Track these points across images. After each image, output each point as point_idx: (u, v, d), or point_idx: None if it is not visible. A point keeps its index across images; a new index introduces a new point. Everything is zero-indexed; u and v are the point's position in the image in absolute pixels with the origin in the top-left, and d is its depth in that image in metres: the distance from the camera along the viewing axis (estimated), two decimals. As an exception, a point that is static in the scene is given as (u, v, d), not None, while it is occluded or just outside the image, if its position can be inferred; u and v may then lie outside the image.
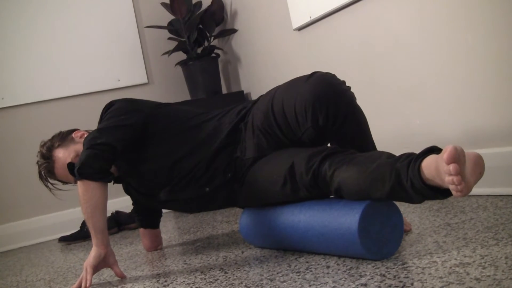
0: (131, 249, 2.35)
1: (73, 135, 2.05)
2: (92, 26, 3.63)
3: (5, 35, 3.44)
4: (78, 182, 1.74)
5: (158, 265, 1.89)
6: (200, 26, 3.60)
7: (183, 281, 1.57)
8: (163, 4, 3.57)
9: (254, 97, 3.54)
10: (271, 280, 1.37)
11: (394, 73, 2.29)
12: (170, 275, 1.69)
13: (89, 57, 3.60)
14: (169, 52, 3.54)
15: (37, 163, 2.02)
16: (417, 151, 1.31)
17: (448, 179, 1.17)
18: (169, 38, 3.63)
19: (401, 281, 1.15)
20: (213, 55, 3.66)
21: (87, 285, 1.66)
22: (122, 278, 1.77)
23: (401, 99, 2.29)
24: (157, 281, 1.65)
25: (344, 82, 1.63)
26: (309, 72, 1.65)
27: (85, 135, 2.01)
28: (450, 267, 1.17)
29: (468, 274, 1.10)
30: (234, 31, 3.61)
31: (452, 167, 1.15)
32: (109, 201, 1.78)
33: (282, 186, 1.58)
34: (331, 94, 1.56)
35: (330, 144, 1.67)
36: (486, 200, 1.78)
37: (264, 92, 1.86)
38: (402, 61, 2.23)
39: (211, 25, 3.59)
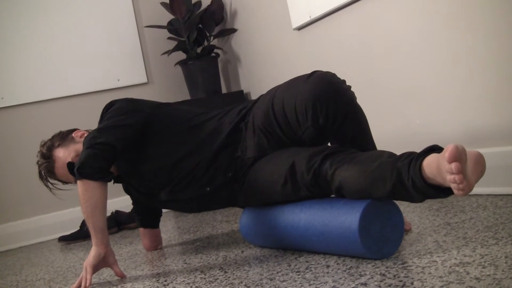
0: (131, 249, 2.35)
1: (73, 134, 2.05)
2: (92, 26, 3.63)
3: (5, 35, 3.43)
4: (78, 181, 1.74)
5: (158, 265, 1.89)
6: (200, 25, 3.60)
7: (183, 281, 1.57)
8: (163, 4, 3.56)
9: (253, 96, 3.54)
10: (271, 280, 1.37)
11: (394, 73, 2.29)
12: (170, 274, 1.69)
13: (88, 56, 3.60)
14: (168, 52, 3.54)
15: (37, 162, 2.02)
16: (417, 151, 1.31)
17: (449, 178, 1.17)
18: (169, 38, 3.63)
19: (401, 281, 1.15)
20: (213, 54, 3.66)
21: (87, 284, 1.66)
22: (122, 277, 1.77)
23: (401, 99, 2.29)
24: (157, 280, 1.65)
25: (344, 81, 1.63)
26: (309, 72, 1.65)
27: (85, 135, 2.01)
28: (450, 267, 1.17)
29: (468, 273, 1.10)
30: (233, 30, 3.61)
31: (453, 165, 1.15)
32: (109, 201, 1.78)
33: (282, 186, 1.58)
34: (331, 93, 1.56)
35: (331, 144, 1.67)
36: (486, 200, 1.78)
37: (263, 91, 1.86)
38: (402, 61, 2.23)
39: (210, 25, 3.59)
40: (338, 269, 1.35)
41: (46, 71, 3.50)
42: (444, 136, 2.07)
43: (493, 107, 1.89)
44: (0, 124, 3.41)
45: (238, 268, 1.58)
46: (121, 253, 2.29)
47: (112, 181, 1.94)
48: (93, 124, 1.98)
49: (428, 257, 1.28)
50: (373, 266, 1.31)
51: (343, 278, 1.26)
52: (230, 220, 2.55)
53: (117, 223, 3.07)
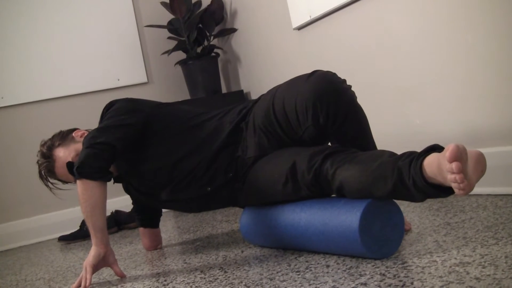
0: (130, 248, 2.35)
1: (73, 134, 2.05)
2: (92, 26, 3.63)
3: (5, 35, 3.43)
4: (77, 181, 1.74)
5: (158, 265, 1.89)
6: (200, 25, 3.60)
7: (183, 280, 1.57)
8: (163, 4, 3.56)
9: (253, 96, 3.54)
10: (271, 280, 1.37)
11: (394, 73, 2.29)
12: (170, 274, 1.69)
13: (88, 56, 3.60)
14: (168, 52, 3.54)
15: (38, 162, 2.02)
16: (418, 151, 1.31)
17: (450, 177, 1.17)
18: (169, 38, 3.63)
19: (401, 280, 1.15)
20: (213, 54, 3.66)
21: (87, 284, 1.66)
22: (122, 277, 1.76)
23: (401, 99, 2.29)
24: (157, 280, 1.65)
25: (344, 80, 1.63)
26: (309, 72, 1.65)
27: (86, 135, 2.01)
28: (450, 267, 1.17)
29: (468, 273, 1.10)
30: (233, 30, 3.61)
31: (454, 165, 1.15)
32: (108, 200, 1.77)
33: (283, 185, 1.58)
34: (332, 93, 1.56)
35: (331, 143, 1.67)
36: (486, 200, 1.78)
37: (263, 91, 1.86)
38: (402, 61, 2.23)
39: (210, 25, 3.59)
40: (338, 269, 1.35)
41: (46, 70, 3.50)
42: (444, 136, 2.06)
43: (493, 107, 1.89)
44: (0, 123, 3.41)
45: (238, 268, 1.58)
46: (121, 252, 2.29)
47: (112, 181, 1.94)
48: (93, 124, 1.98)
49: (428, 257, 1.28)
50: (373, 266, 1.31)
51: (343, 278, 1.26)
52: (230, 219, 2.55)
53: (117, 222, 3.07)
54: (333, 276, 1.29)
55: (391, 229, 1.37)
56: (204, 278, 1.54)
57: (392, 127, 2.34)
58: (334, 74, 1.63)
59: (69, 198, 2.57)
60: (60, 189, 2.06)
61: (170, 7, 3.47)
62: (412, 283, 1.11)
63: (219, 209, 2.85)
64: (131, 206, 2.22)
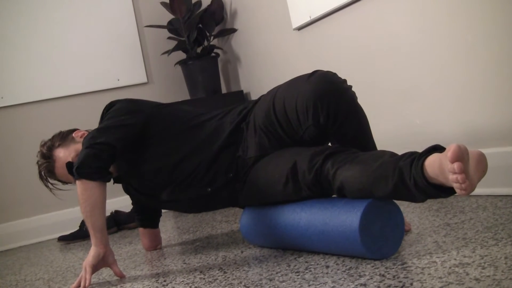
0: (130, 249, 2.35)
1: (73, 134, 2.05)
2: (92, 26, 3.63)
3: (5, 34, 3.43)
4: (77, 181, 1.74)
5: (157, 265, 1.88)
6: (200, 25, 3.60)
7: (182, 281, 1.57)
8: (163, 4, 3.56)
9: (253, 96, 3.54)
10: (270, 280, 1.37)
11: (394, 73, 2.29)
12: (169, 274, 1.69)
13: (88, 56, 3.60)
14: (168, 52, 3.54)
15: (37, 163, 2.02)
16: (418, 151, 1.31)
17: (452, 178, 1.17)
18: (169, 38, 3.63)
19: (400, 281, 1.15)
20: (213, 54, 3.66)
21: (86, 284, 1.65)
22: (121, 277, 1.76)
23: (401, 99, 2.28)
24: (156, 280, 1.65)
25: (345, 80, 1.63)
26: (309, 72, 1.65)
27: (86, 135, 2.01)
28: (450, 267, 1.17)
29: (467, 274, 1.10)
30: (233, 30, 3.61)
31: (456, 165, 1.15)
32: (108, 201, 1.77)
33: (284, 185, 1.58)
34: (332, 93, 1.56)
35: (331, 143, 1.67)
36: (486, 200, 1.78)
37: (263, 91, 1.86)
38: (402, 61, 2.23)
39: (210, 25, 3.59)
40: (338, 269, 1.34)
41: (46, 70, 3.50)
42: (444, 136, 2.06)
43: (493, 107, 1.88)
44: (0, 123, 3.41)
45: (238, 268, 1.58)
46: (120, 253, 2.29)
47: (112, 181, 1.94)
48: (93, 124, 1.98)
49: (427, 258, 1.28)
50: (373, 266, 1.30)
51: (343, 279, 1.26)
52: (229, 220, 2.55)
53: (117, 223, 3.07)
54: (332, 277, 1.29)
55: (391, 229, 1.37)
56: (204, 278, 1.54)
57: (392, 127, 2.34)
58: (335, 74, 1.63)
59: (69, 199, 2.57)
60: (60, 189, 2.06)
61: (170, 7, 3.47)
62: (411, 284, 1.11)
63: (219, 210, 2.85)
64: (131, 206, 2.22)
